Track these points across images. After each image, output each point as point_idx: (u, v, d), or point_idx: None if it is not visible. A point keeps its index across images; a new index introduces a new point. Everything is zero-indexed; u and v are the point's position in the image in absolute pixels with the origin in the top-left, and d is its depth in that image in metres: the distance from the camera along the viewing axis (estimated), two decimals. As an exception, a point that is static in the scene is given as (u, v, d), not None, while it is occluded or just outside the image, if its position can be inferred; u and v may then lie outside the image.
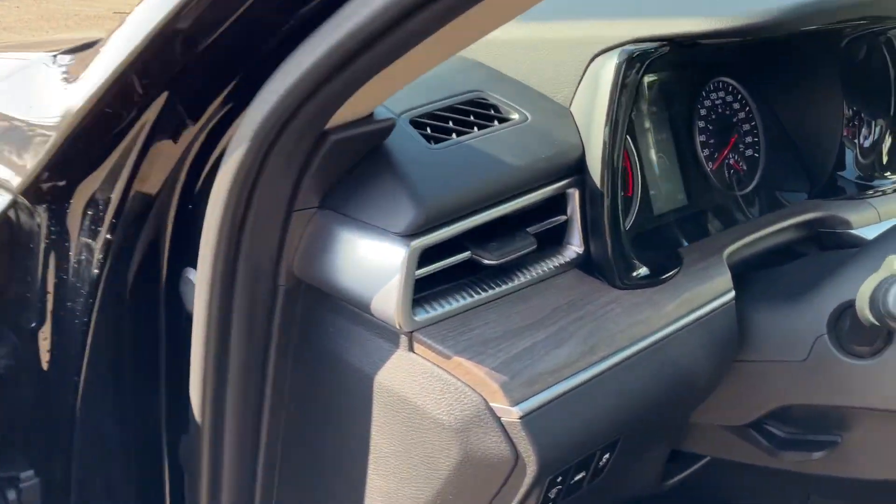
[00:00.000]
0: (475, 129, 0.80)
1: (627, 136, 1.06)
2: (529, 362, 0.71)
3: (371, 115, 0.72)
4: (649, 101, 1.11)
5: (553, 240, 0.85)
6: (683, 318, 0.84)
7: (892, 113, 1.18)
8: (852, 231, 1.11)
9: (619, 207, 0.83)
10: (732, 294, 0.90)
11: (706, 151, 1.17)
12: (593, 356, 0.75)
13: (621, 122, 0.81)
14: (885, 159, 1.21)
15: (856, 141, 1.21)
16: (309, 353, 0.79)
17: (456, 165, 0.74)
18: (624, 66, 0.78)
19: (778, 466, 0.93)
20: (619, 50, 0.79)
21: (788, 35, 1.12)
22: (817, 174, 1.21)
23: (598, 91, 0.80)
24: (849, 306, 0.82)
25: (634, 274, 0.84)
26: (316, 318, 0.78)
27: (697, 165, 1.15)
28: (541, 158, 0.79)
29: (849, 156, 1.21)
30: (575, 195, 0.82)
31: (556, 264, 0.82)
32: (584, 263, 0.84)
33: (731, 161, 1.19)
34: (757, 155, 1.23)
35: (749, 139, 1.23)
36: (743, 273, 1.04)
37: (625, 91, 0.80)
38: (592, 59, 0.83)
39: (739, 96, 1.23)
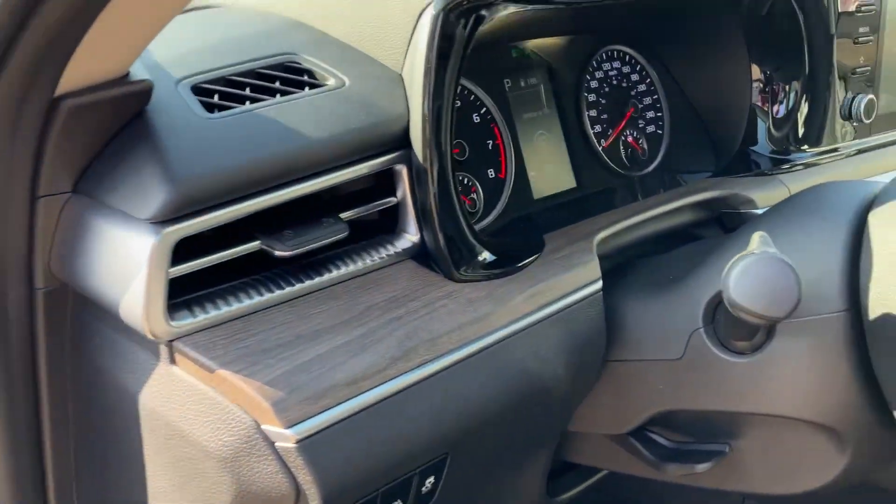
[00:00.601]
0: (278, 96, 0.68)
1: (500, 113, 0.94)
2: (319, 373, 0.58)
3: (126, 76, 0.60)
4: (527, 71, 0.99)
5: (387, 226, 0.73)
6: (535, 314, 0.72)
7: (807, 72, 1.06)
8: (758, 211, 1.00)
9: (454, 188, 0.71)
10: (599, 285, 0.78)
11: (597, 128, 1.05)
12: (408, 362, 0.62)
13: (447, 87, 0.68)
14: (800, 131, 1.09)
15: (769, 111, 1.09)
16: (82, 368, 0.66)
17: (237, 138, 0.62)
18: (442, 19, 0.66)
19: (664, 479, 0.81)
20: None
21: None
22: (724, 149, 1.09)
23: (417, 51, 0.67)
24: (726, 295, 0.70)
25: (476, 264, 0.72)
26: (84, 327, 0.65)
27: (587, 144, 1.03)
28: (352, 130, 0.66)
29: (761, 128, 1.10)
30: (403, 173, 0.70)
31: (385, 255, 0.70)
32: (422, 253, 0.72)
33: (629, 138, 1.07)
34: (661, 131, 1.12)
35: (651, 114, 1.11)
36: (627, 261, 0.92)
37: (447, 50, 0.67)
38: (421, 14, 0.71)
39: (638, 66, 1.11)
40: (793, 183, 1.03)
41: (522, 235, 0.85)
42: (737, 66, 1.06)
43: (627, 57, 1.10)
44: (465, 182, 0.90)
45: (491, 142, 0.93)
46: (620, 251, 0.92)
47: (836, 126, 1.10)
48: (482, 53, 0.94)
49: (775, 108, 1.09)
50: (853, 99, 1.09)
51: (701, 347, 0.72)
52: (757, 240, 0.61)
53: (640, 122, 1.10)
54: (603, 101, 1.06)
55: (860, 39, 1.07)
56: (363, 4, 0.76)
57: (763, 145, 1.09)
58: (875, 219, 0.66)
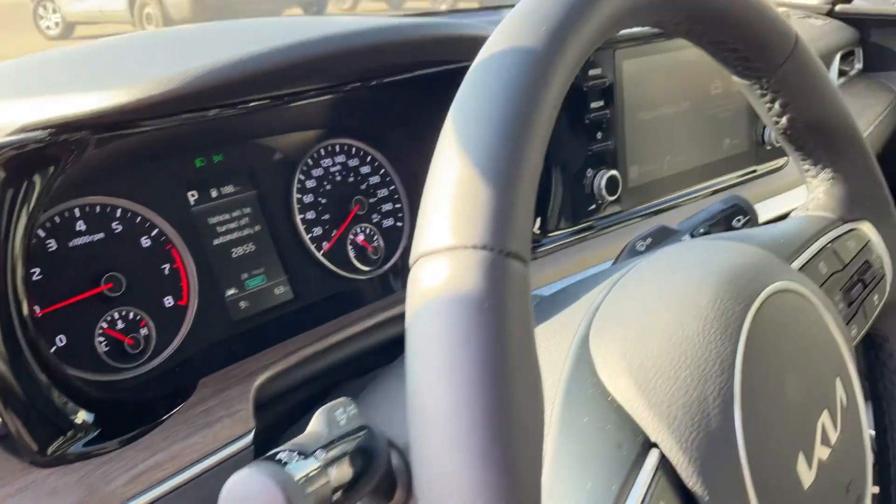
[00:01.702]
0: None
1: (179, 232, 0.85)
2: None
3: None
4: (220, 180, 0.90)
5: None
6: (149, 492, 0.62)
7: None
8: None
9: (27, 348, 0.60)
10: (247, 440, 0.68)
11: (316, 231, 0.96)
12: None
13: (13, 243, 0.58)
14: (541, 217, 1.03)
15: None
16: None
17: None
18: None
19: None
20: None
21: (399, 80, 0.94)
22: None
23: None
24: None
25: (72, 439, 0.61)
26: None
27: (304, 251, 0.95)
28: None
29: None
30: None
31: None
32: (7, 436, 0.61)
33: (358, 237, 0.99)
34: (401, 224, 1.04)
35: (388, 206, 1.04)
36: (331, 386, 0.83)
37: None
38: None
39: (368, 157, 1.04)
40: (544, 268, 0.97)
41: (182, 379, 0.75)
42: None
43: (353, 149, 1.02)
44: (132, 317, 0.79)
45: (168, 266, 0.83)
46: (325, 374, 0.83)
47: (581, 206, 1.05)
48: (150, 169, 0.85)
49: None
50: (594, 176, 1.04)
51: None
52: (316, 421, 0.53)
53: (375, 216, 1.02)
54: (323, 201, 0.98)
55: (593, 116, 1.02)
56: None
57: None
58: None
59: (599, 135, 1.04)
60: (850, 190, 0.69)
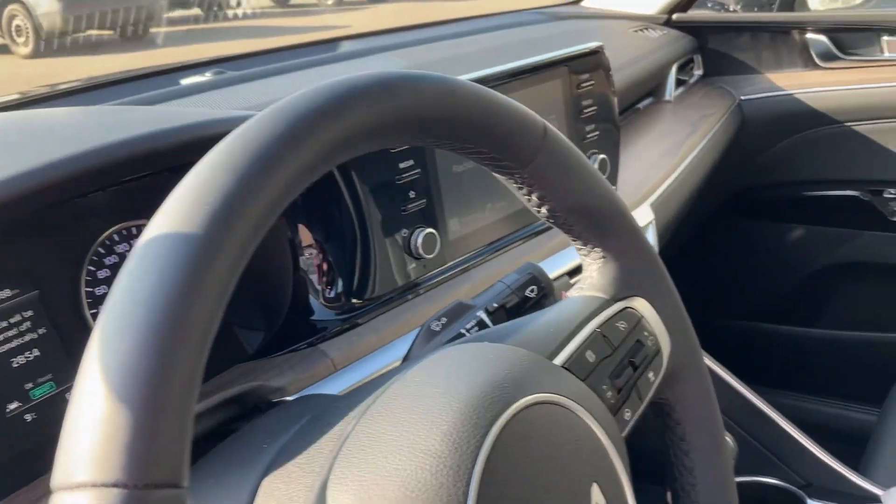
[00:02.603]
0: None
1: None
2: None
3: None
4: None
5: None
6: None
7: (355, 224, 0.98)
8: (289, 399, 0.89)
9: None
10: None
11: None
12: None
13: None
14: (362, 284, 1.00)
15: (319, 281, 1.00)
16: None
17: None
18: None
19: None
20: None
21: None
22: (271, 324, 0.98)
23: None
24: None
25: None
26: None
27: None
28: None
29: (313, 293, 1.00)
30: None
31: None
32: None
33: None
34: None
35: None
36: None
37: None
38: None
39: (172, 236, 0.98)
40: (336, 350, 0.94)
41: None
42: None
43: (153, 229, 0.97)
44: None
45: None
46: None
47: (400, 267, 1.03)
48: None
49: (323, 277, 1.00)
50: (411, 235, 1.02)
51: None
52: None
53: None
54: (120, 291, 0.92)
55: (405, 177, 1.00)
56: None
57: (322, 311, 0.99)
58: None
59: (412, 194, 1.02)
60: (622, 268, 0.70)
